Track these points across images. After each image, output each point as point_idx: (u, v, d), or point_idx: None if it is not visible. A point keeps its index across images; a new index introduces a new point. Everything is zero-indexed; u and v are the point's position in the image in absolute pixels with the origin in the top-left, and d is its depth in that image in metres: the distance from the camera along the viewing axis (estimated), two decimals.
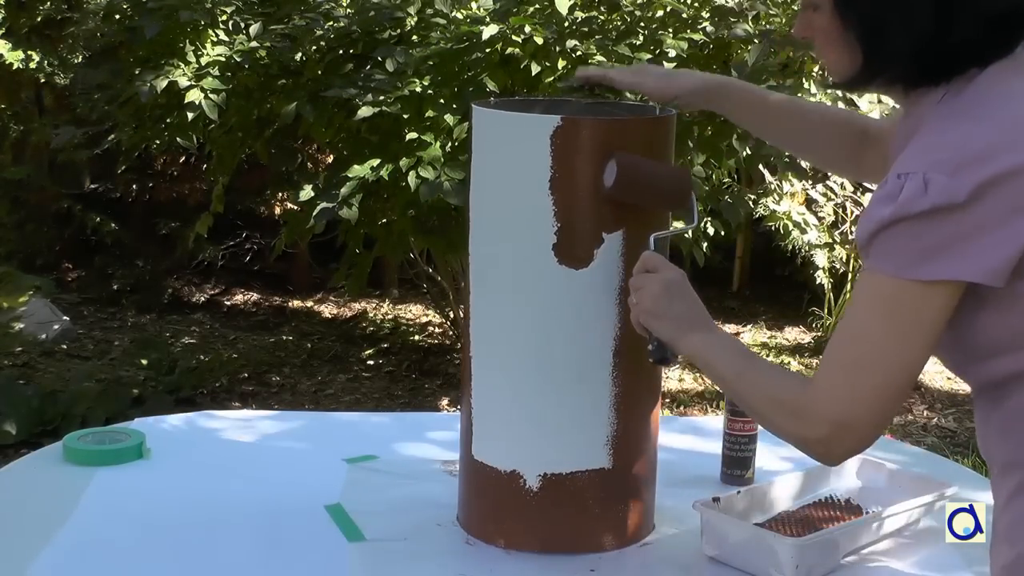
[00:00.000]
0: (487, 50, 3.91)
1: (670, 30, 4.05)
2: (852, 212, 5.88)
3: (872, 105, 3.97)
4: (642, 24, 4.12)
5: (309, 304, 6.61)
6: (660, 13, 4.16)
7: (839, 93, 3.87)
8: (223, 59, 4.16)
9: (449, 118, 3.86)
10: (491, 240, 1.78)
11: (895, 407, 1.31)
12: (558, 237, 1.71)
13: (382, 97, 3.82)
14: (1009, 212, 1.20)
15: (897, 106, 1.42)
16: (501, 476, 1.79)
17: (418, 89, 3.89)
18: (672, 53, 3.88)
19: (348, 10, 4.36)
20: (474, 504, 1.87)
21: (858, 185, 5.77)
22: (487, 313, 1.80)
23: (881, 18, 1.28)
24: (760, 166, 4.55)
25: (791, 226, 5.63)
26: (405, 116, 3.90)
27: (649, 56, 3.89)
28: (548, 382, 1.76)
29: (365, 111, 3.81)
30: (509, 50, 3.87)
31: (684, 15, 4.08)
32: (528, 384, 1.77)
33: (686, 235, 4.37)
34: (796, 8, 4.27)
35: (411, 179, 3.76)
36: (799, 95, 3.85)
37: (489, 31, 3.76)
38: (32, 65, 6.11)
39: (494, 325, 1.79)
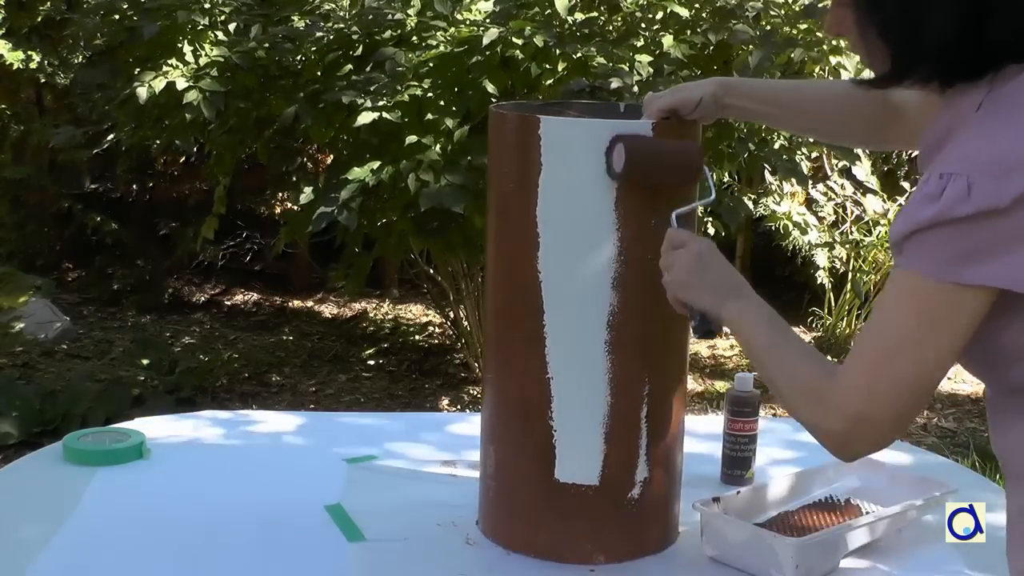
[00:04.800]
0: (487, 53, 3.90)
1: (671, 31, 4.04)
2: (852, 212, 5.88)
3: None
4: (643, 26, 4.12)
5: (309, 304, 6.60)
6: (660, 15, 4.16)
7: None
8: (222, 59, 4.16)
9: (449, 121, 3.85)
10: (569, 253, 1.72)
11: (916, 408, 1.28)
12: None
13: (382, 102, 3.81)
14: None
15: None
16: (600, 491, 1.76)
17: (418, 93, 3.87)
18: (672, 55, 3.86)
19: (348, 11, 4.35)
20: (560, 528, 1.79)
21: (858, 185, 5.77)
22: (566, 331, 1.73)
23: (907, 21, 1.25)
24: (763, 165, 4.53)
25: (791, 226, 5.63)
26: (405, 120, 3.88)
27: (650, 59, 3.88)
28: (636, 393, 1.74)
29: (365, 117, 3.79)
30: (509, 52, 3.86)
31: (684, 15, 4.07)
32: (619, 398, 1.74)
33: None
34: (797, 9, 4.26)
35: (411, 182, 3.75)
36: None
37: (489, 36, 3.74)
38: (32, 65, 6.11)
39: (580, 342, 1.72)
